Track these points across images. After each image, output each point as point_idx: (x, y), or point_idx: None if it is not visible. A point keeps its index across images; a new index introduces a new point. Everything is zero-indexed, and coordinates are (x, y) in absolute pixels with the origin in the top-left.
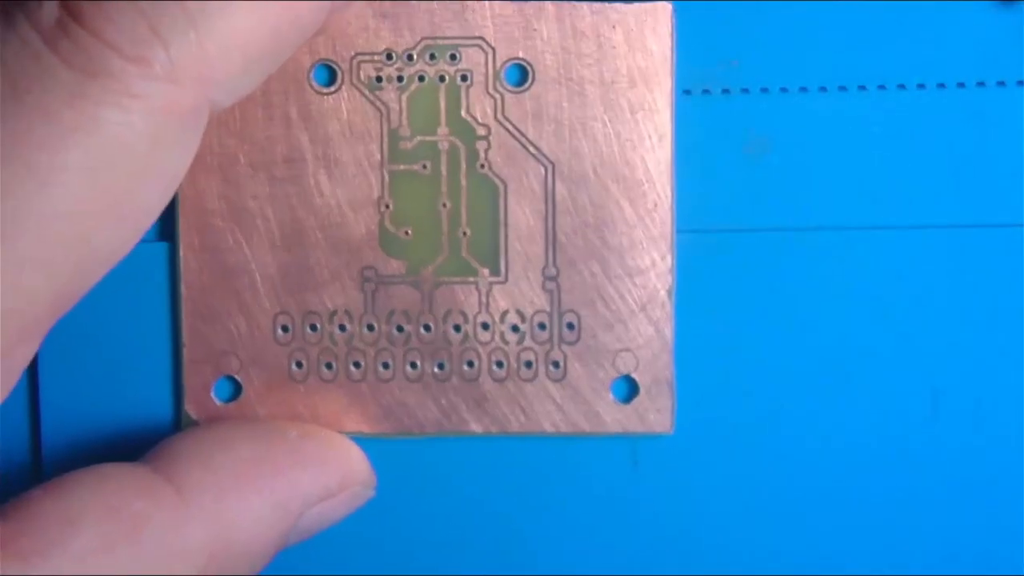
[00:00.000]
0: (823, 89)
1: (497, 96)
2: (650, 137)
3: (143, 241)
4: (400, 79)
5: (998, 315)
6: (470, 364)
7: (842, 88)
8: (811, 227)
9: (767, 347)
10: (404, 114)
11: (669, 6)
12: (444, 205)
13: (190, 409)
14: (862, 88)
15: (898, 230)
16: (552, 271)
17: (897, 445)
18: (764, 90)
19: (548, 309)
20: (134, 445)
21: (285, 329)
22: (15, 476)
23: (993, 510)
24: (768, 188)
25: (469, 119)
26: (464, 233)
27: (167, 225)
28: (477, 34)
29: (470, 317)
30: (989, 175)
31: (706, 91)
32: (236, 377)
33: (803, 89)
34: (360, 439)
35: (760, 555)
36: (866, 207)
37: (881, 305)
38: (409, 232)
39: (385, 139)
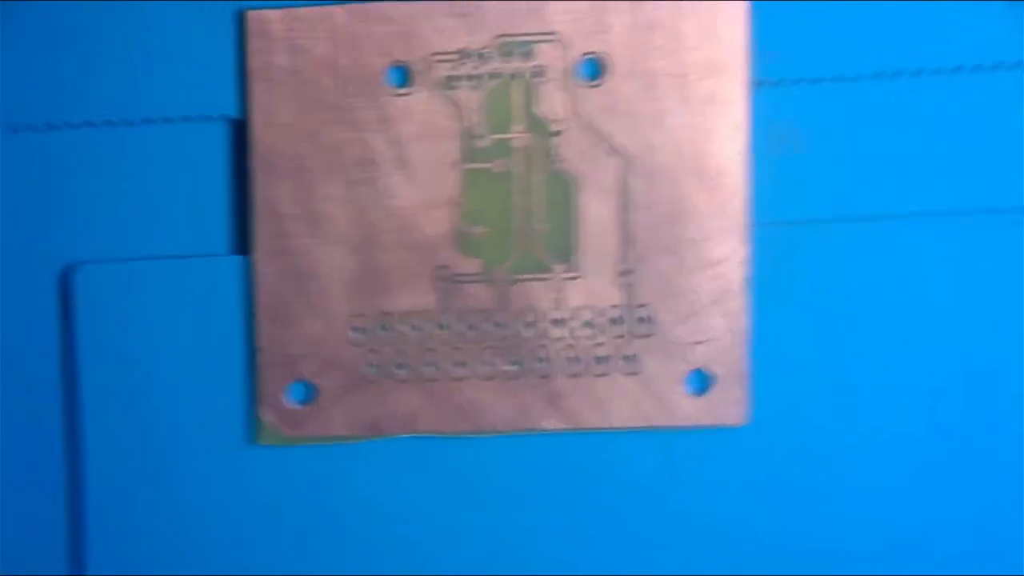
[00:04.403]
0: (857, 78)
1: (571, 91)
2: (725, 128)
3: (217, 255)
4: (474, 77)
5: None
6: (544, 361)
7: (877, 75)
8: (878, 216)
9: (843, 338)
10: (479, 113)
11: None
12: (519, 202)
13: (265, 413)
14: (897, 74)
15: (972, 215)
16: (626, 266)
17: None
18: (798, 81)
19: (622, 304)
20: (208, 453)
21: (359, 331)
22: (101, 485)
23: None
24: (827, 178)
25: (543, 115)
26: (539, 230)
27: (241, 238)
28: (551, 30)
29: (544, 314)
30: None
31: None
32: (311, 380)
33: (838, 79)
34: (434, 439)
35: (830, 545)
36: (930, 193)
37: (955, 292)
38: (483, 230)
39: (460, 138)
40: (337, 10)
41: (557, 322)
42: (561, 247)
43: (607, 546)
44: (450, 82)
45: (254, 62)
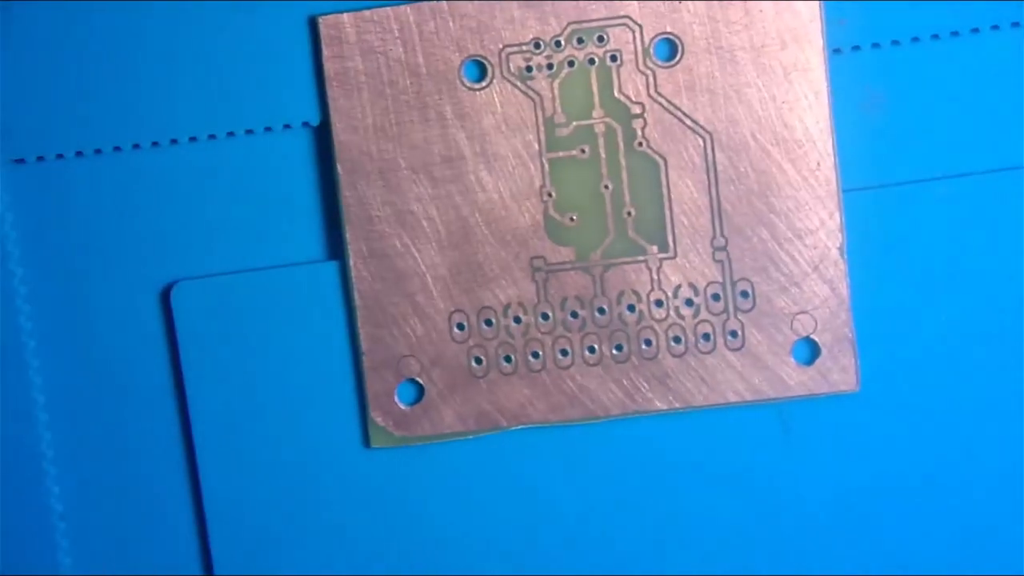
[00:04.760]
0: (936, 37)
1: (648, 73)
2: (806, 96)
3: (312, 262)
4: (550, 66)
5: None
6: (648, 343)
7: (954, 34)
8: (967, 173)
9: (942, 296)
10: (557, 101)
11: None
12: (606, 187)
13: (376, 416)
14: (974, 31)
15: None
16: (721, 241)
17: None
18: (876, 45)
19: (720, 279)
20: (321, 459)
21: (461, 327)
22: (219, 493)
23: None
24: (913, 140)
25: (622, 99)
26: (629, 213)
27: (335, 243)
28: (622, 13)
29: (643, 296)
30: None
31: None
32: (418, 379)
33: (915, 39)
34: (544, 429)
35: (942, 503)
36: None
37: None
38: (574, 218)
39: (541, 128)
40: (407, 10)
41: (658, 303)
42: (653, 228)
43: (732, 523)
44: (526, 73)
45: (330, 67)
